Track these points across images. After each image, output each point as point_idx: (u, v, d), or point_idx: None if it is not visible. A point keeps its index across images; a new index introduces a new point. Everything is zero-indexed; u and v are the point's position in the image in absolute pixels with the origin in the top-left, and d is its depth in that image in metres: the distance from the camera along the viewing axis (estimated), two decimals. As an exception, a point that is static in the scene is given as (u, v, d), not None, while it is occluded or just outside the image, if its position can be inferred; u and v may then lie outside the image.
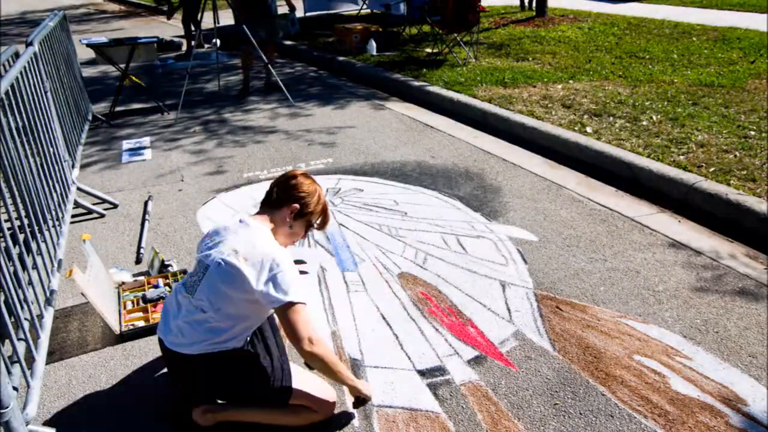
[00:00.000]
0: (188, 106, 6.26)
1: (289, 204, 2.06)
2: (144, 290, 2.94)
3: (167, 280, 3.01)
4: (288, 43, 9.30)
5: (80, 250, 3.37)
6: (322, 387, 2.14)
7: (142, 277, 3.04)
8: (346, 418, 2.14)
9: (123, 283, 2.98)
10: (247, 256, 1.90)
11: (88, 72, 7.75)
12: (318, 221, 2.18)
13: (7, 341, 1.95)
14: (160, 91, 6.88)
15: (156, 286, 2.96)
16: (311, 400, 2.08)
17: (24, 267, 2.28)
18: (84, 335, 2.66)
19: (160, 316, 2.32)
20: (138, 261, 3.29)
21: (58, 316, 2.77)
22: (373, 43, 8.00)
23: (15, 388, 1.87)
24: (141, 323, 2.71)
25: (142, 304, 2.83)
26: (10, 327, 1.94)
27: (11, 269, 2.10)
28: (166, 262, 3.15)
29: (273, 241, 2.00)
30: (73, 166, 3.80)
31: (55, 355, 2.53)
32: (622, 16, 9.52)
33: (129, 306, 2.83)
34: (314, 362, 1.99)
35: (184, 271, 3.07)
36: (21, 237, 2.32)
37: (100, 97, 6.68)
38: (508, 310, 2.73)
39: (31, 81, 3.04)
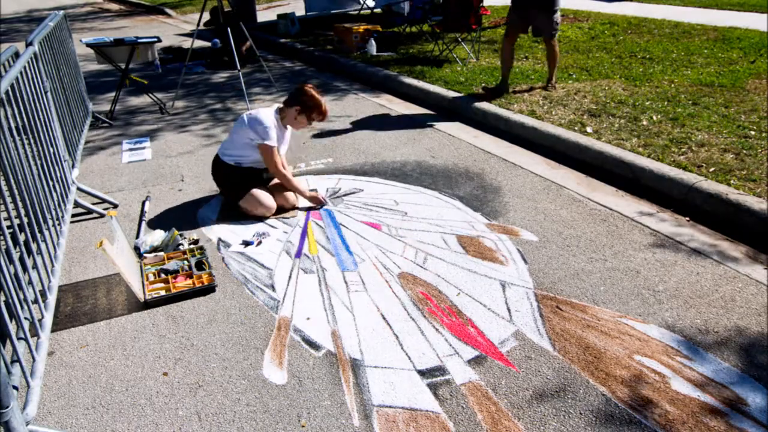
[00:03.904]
0: (191, 97, 6.27)
1: (295, 105, 3.70)
2: (164, 264, 3.19)
3: (185, 256, 3.25)
4: (288, 42, 9.29)
5: (81, 249, 3.39)
6: (268, 200, 3.69)
7: (161, 253, 3.29)
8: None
9: (144, 258, 3.24)
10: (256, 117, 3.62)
11: (89, 71, 7.75)
12: (316, 117, 3.75)
13: (7, 341, 1.95)
14: (160, 85, 6.88)
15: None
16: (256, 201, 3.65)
17: (24, 267, 2.28)
18: (85, 334, 2.66)
19: (180, 285, 2.96)
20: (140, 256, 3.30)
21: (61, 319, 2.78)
22: (373, 43, 8.00)
23: (15, 388, 1.87)
24: (163, 292, 2.94)
25: (162, 276, 3.08)
26: (10, 327, 1.94)
27: (11, 269, 2.10)
28: (178, 242, 3.41)
29: (272, 117, 3.68)
30: (73, 166, 3.80)
31: (54, 356, 2.53)
32: (622, 16, 9.52)
33: (151, 278, 3.08)
34: (281, 179, 3.75)
35: (201, 248, 3.32)
36: (21, 237, 2.32)
37: (101, 97, 6.68)
38: (508, 310, 2.73)
39: (31, 81, 3.04)
